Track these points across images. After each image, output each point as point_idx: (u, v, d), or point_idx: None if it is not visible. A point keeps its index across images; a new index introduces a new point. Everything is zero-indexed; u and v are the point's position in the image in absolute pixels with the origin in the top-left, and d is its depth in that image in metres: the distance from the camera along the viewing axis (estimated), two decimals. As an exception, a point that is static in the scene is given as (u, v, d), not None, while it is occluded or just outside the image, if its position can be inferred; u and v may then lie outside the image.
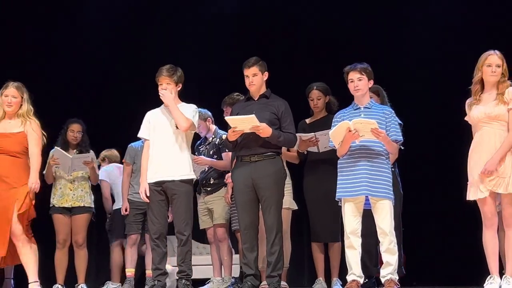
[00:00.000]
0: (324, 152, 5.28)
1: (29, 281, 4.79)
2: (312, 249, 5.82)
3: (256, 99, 5.06)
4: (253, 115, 4.80)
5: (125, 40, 7.90)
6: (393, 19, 7.64)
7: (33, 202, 4.91)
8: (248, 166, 5.03)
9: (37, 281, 4.81)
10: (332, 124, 4.71)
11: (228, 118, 4.97)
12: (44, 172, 5.72)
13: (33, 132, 4.89)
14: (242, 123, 4.90)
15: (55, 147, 5.72)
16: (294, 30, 7.96)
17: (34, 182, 4.84)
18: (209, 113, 6.08)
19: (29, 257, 4.79)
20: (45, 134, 5.07)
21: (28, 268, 4.83)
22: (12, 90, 4.90)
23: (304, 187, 5.77)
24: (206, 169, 5.95)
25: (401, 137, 4.56)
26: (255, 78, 5.04)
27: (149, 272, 6.00)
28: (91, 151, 6.13)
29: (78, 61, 7.97)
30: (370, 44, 7.48)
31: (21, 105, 4.96)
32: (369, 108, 4.54)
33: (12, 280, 6.04)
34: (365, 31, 7.67)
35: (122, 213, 6.22)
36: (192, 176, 5.16)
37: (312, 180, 5.72)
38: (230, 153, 5.38)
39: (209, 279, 6.13)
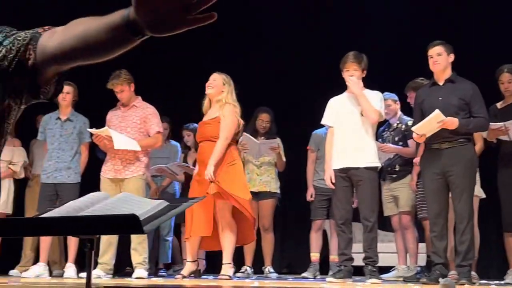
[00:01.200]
0: None
1: (223, 262, 5.03)
2: (504, 239, 5.59)
3: (441, 84, 4.91)
4: (438, 112, 4.69)
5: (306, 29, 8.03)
6: None
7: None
8: (438, 154, 4.90)
9: (231, 263, 5.06)
10: None
11: (415, 128, 4.92)
12: None
13: (223, 117, 5.09)
14: (429, 125, 4.80)
15: (243, 133, 5.90)
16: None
17: (209, 172, 4.96)
18: (396, 97, 6.05)
19: (227, 239, 5.05)
20: (241, 121, 5.28)
21: (225, 250, 5.07)
22: (213, 75, 5.20)
23: (499, 178, 5.57)
24: (392, 156, 5.88)
25: None
26: (440, 58, 4.88)
27: (333, 257, 6.07)
28: (278, 138, 6.30)
29: (260, 51, 8.17)
30: None
31: (222, 91, 5.20)
32: None
33: (204, 261, 6.37)
34: None
35: (307, 199, 6.31)
36: (377, 164, 5.14)
37: (508, 171, 5.49)
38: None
39: (393, 267, 6.11)
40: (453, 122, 4.58)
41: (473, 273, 5.04)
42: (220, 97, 5.16)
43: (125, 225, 2.29)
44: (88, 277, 2.53)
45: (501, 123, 5.17)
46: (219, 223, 5.05)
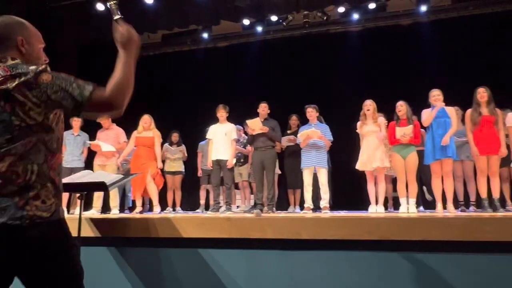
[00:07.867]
0: None
1: (154, 204, 7.31)
2: (288, 193, 7.98)
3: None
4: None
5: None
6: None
7: None
8: (260, 152, 7.12)
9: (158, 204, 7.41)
10: None
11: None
12: None
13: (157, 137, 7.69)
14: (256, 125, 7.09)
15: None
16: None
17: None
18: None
19: (153, 190, 7.23)
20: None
21: (153, 196, 7.35)
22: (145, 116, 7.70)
23: (285, 163, 7.97)
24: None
25: None
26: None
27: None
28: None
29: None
30: None
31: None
32: None
33: (148, 205, 8.19)
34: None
35: None
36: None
37: (289, 159, 7.93)
38: None
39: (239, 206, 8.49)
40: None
41: (274, 209, 7.19)
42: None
43: (98, 187, 3.33)
44: (80, 214, 3.48)
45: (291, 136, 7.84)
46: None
